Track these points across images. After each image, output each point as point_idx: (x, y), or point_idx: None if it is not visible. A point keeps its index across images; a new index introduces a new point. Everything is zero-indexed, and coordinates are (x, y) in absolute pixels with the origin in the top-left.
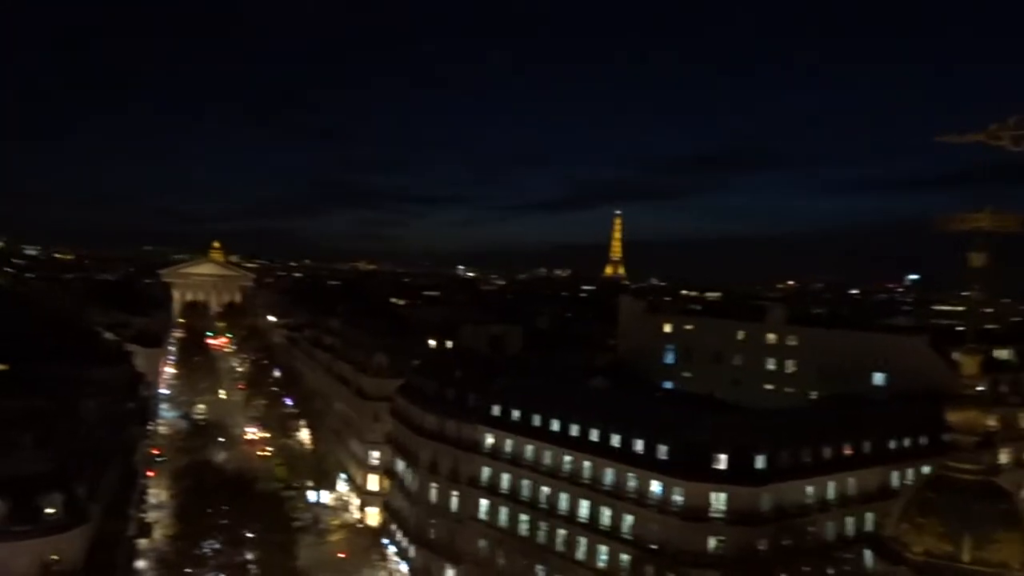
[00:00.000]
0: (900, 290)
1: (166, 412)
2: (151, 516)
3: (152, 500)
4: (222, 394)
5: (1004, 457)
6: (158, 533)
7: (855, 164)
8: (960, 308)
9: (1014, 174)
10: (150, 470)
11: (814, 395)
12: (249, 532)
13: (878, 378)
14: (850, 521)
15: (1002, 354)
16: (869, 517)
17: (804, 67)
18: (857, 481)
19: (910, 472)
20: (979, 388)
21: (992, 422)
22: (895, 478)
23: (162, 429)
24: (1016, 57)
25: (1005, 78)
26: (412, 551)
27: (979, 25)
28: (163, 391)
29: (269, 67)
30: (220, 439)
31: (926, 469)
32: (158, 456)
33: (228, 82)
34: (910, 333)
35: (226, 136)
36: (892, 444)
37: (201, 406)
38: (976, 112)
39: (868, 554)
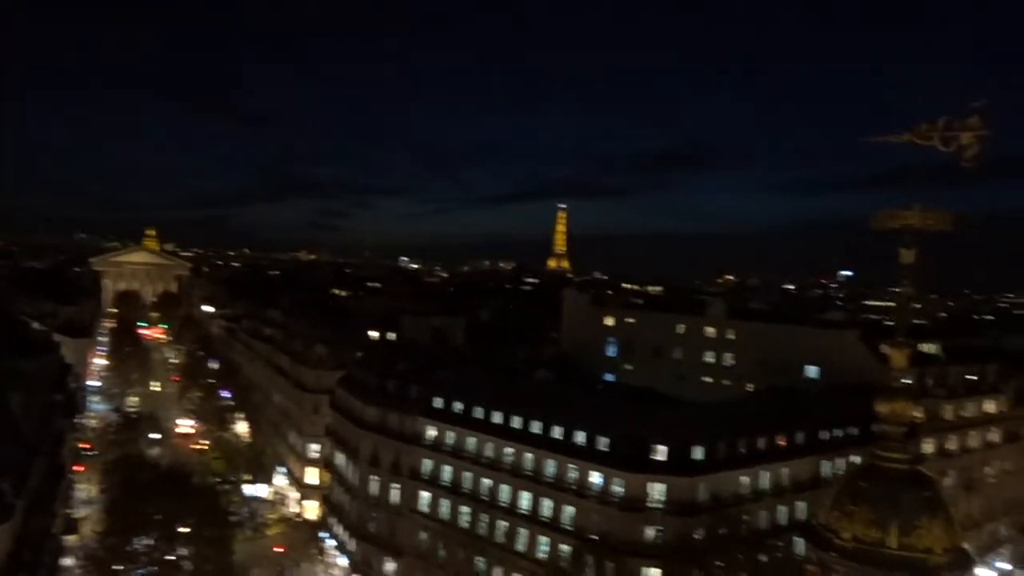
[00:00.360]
0: (834, 286)
1: (96, 405)
2: (79, 512)
3: (81, 496)
4: (155, 386)
5: (928, 447)
6: (87, 530)
7: (793, 164)
8: (890, 304)
9: (944, 174)
10: (78, 465)
11: (751, 387)
12: (183, 527)
13: (812, 371)
14: (783, 510)
15: (929, 348)
16: (801, 506)
17: (746, 69)
18: (790, 471)
19: (841, 462)
20: (906, 381)
21: (918, 413)
22: (827, 468)
23: (92, 422)
24: (949, 57)
25: (941, 79)
26: (352, 545)
27: (915, 27)
28: (93, 383)
29: (207, 54)
30: (153, 433)
31: (856, 459)
32: (87, 450)
33: (164, 69)
34: (842, 327)
35: (161, 124)
36: (824, 435)
37: (133, 398)
38: (910, 113)
39: (799, 541)
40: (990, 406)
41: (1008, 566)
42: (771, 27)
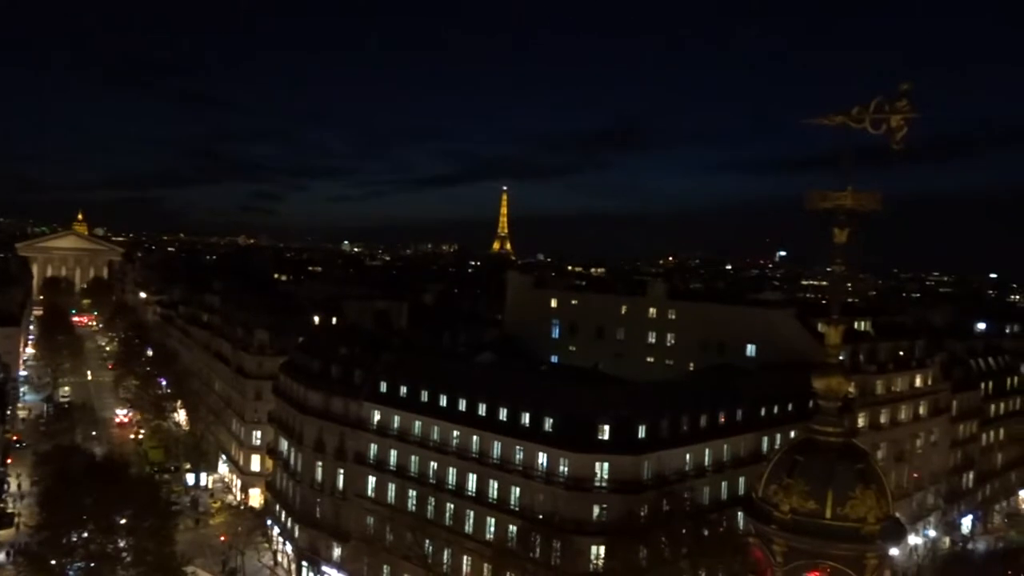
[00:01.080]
0: (770, 266)
1: (27, 395)
2: (11, 506)
3: (12, 489)
4: (89, 375)
5: (861, 420)
6: (20, 523)
7: (727, 145)
8: (824, 283)
9: (874, 155)
10: (9, 457)
11: (693, 366)
12: (121, 518)
13: (750, 349)
14: (725, 485)
15: (861, 325)
16: (742, 481)
17: (686, 47)
18: (731, 447)
19: (779, 437)
20: (840, 357)
21: (851, 388)
22: (765, 443)
23: (22, 413)
24: (891, 43)
25: (878, 61)
26: (297, 531)
27: (848, 10)
28: (23, 373)
29: (136, 28)
30: (87, 423)
31: (793, 434)
32: (17, 442)
33: (88, 42)
34: (779, 307)
35: (87, 100)
36: (763, 411)
37: (66, 388)
38: (853, 95)
39: (740, 516)
40: (918, 380)
41: (934, 533)
42: (705, 6)
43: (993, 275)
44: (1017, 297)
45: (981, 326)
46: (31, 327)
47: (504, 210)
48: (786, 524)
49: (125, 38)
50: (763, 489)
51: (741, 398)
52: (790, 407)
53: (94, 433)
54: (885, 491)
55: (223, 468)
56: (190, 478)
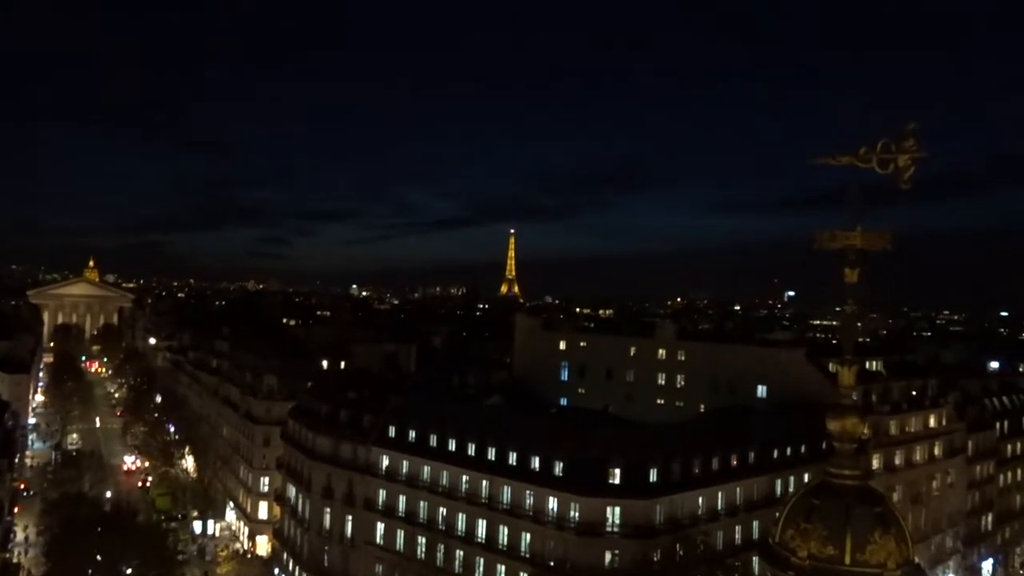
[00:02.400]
0: (779, 306)
1: (36, 443)
2: (16, 557)
3: (19, 538)
4: (98, 422)
5: (875, 462)
6: (26, 573)
7: (738, 184)
8: (833, 322)
9: (882, 195)
10: (16, 506)
11: (703, 407)
12: (127, 568)
13: (761, 390)
14: (738, 529)
15: (873, 365)
16: (756, 524)
17: (688, 86)
18: (744, 490)
19: (792, 479)
20: (854, 397)
21: (866, 430)
22: (779, 486)
23: (31, 461)
24: (898, 79)
25: (884, 98)
26: None
27: (846, 53)
28: (31, 420)
29: (143, 77)
30: (95, 470)
31: (806, 476)
32: (25, 491)
33: (99, 91)
34: (789, 346)
35: (97, 148)
36: (775, 453)
37: (74, 435)
38: (852, 136)
39: (755, 560)
40: (932, 420)
41: None
42: (703, 49)
43: (1004, 312)
44: None
45: (994, 364)
46: (41, 374)
47: (512, 252)
48: (804, 570)
49: (129, 84)
50: (780, 534)
51: (753, 440)
52: (803, 448)
53: (102, 479)
54: (905, 535)
55: (230, 515)
56: (197, 526)
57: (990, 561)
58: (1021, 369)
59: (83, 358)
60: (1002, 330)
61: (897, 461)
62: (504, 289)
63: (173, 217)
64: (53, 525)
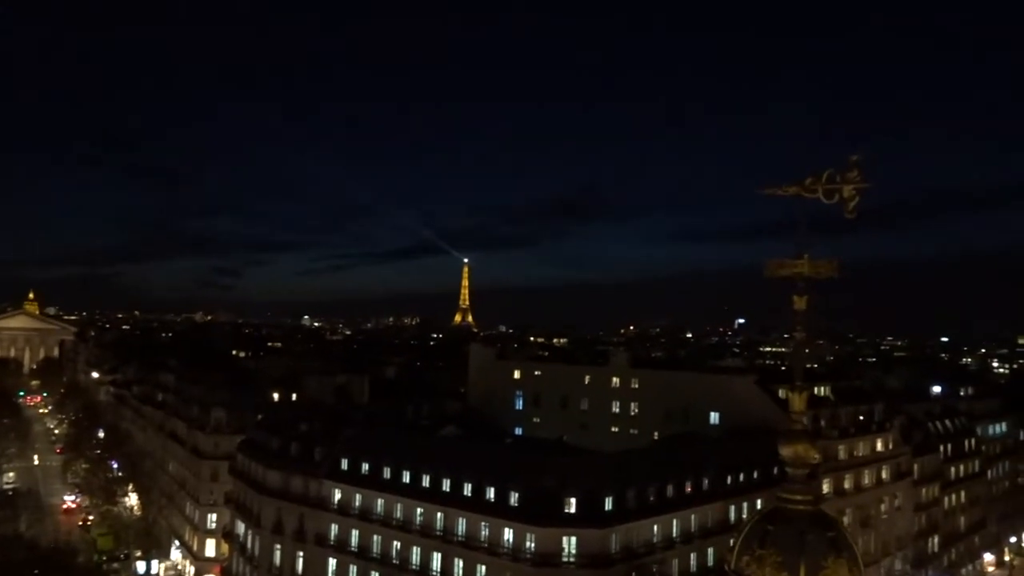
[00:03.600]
0: (730, 333)
1: None
2: None
3: None
4: (36, 459)
5: (825, 486)
6: None
7: (691, 214)
8: (782, 349)
9: (827, 224)
10: None
11: (657, 435)
12: None
13: (714, 417)
14: (693, 556)
15: (821, 391)
16: (711, 551)
17: (640, 117)
18: (698, 517)
19: (746, 506)
20: (805, 423)
21: (817, 455)
22: (732, 512)
23: None
24: (841, 112)
25: (830, 129)
26: None
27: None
28: None
29: (90, 102)
30: (33, 509)
31: (759, 502)
32: None
33: (35, 116)
34: (740, 373)
35: (39, 176)
36: (729, 480)
37: (10, 474)
38: (802, 163)
39: None
40: (879, 444)
41: None
42: (657, 80)
43: (945, 339)
44: (969, 360)
45: (936, 389)
46: None
47: (465, 282)
48: None
49: (72, 112)
50: (735, 561)
51: (707, 466)
52: (755, 474)
53: (39, 519)
54: (856, 559)
55: (176, 554)
56: (140, 566)
57: None
58: (962, 393)
59: (21, 393)
60: (943, 355)
61: (846, 485)
62: (458, 319)
63: (120, 248)
64: None
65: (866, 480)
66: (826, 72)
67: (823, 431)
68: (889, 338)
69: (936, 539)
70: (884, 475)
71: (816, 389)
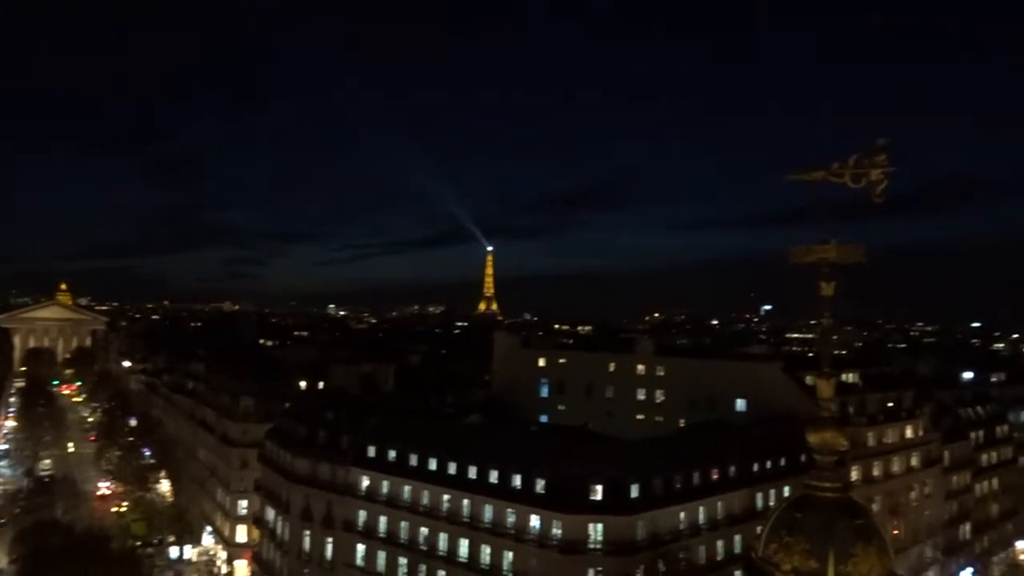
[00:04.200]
0: (756, 320)
1: (6, 469)
2: None
3: None
4: (71, 447)
5: (854, 474)
6: None
7: (714, 201)
8: (809, 335)
9: (855, 209)
10: None
11: (683, 422)
12: None
13: (740, 404)
14: (720, 544)
15: (849, 377)
16: (737, 539)
17: (662, 104)
18: (725, 504)
19: (772, 493)
20: (833, 410)
21: (845, 441)
22: (760, 499)
23: (1, 488)
24: (871, 99)
25: (858, 116)
26: None
27: (825, 70)
28: (2, 447)
29: (114, 99)
30: (68, 496)
31: (787, 489)
32: None
33: (61, 111)
34: (766, 360)
35: (64, 169)
36: (755, 467)
37: (46, 461)
38: (828, 150)
39: (737, 575)
40: (908, 431)
41: None
42: (674, 67)
43: (976, 324)
44: (1001, 345)
45: (967, 375)
46: (12, 399)
47: (489, 271)
48: None
49: (97, 106)
50: (763, 548)
51: (733, 454)
52: (783, 462)
53: (74, 505)
54: (886, 547)
55: (208, 540)
56: (173, 551)
57: (969, 571)
58: (993, 379)
59: (55, 382)
60: (974, 341)
61: (875, 472)
62: (482, 307)
63: (147, 240)
64: (25, 553)
65: (895, 467)
66: (848, 58)
67: (851, 418)
68: (919, 324)
69: (967, 527)
70: (914, 462)
71: (844, 376)
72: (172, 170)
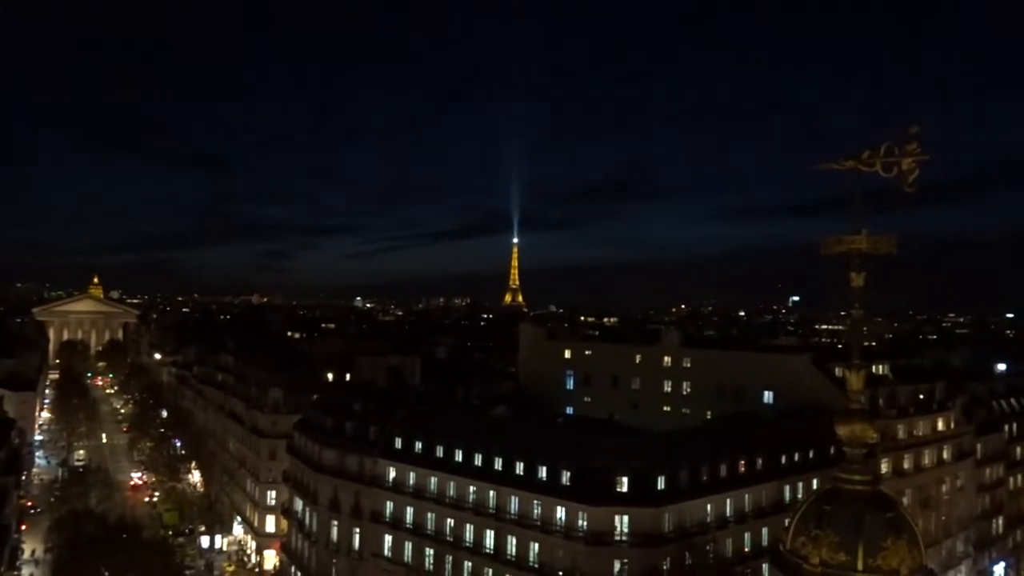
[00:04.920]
0: (784, 312)
1: (42, 460)
2: (24, 573)
3: (26, 556)
4: (104, 438)
5: (884, 466)
6: None
7: (740, 192)
8: (839, 327)
9: (886, 199)
10: (23, 523)
11: (709, 414)
12: None
13: (767, 396)
14: (747, 536)
15: (879, 369)
16: (765, 531)
17: (687, 95)
18: (752, 497)
19: (801, 485)
20: (862, 402)
21: (875, 434)
22: (787, 492)
23: (37, 478)
24: (897, 89)
25: (883, 106)
26: None
27: (851, 61)
28: (38, 437)
29: (141, 94)
30: (102, 486)
31: (815, 482)
32: (32, 508)
33: (94, 108)
34: (795, 352)
35: (94, 165)
36: (783, 459)
37: (81, 452)
38: (851, 141)
39: (765, 567)
40: (940, 424)
41: None
42: (702, 58)
43: (1010, 315)
44: None
45: (1001, 367)
46: (47, 391)
47: (515, 262)
48: None
49: (125, 101)
50: (791, 541)
51: (761, 446)
52: (811, 454)
53: (108, 495)
54: (917, 540)
55: (238, 529)
56: (204, 541)
57: (1002, 565)
58: None
59: (89, 374)
60: (1008, 332)
61: (906, 465)
62: (508, 299)
63: (176, 234)
64: (60, 542)
65: (926, 460)
66: (874, 48)
67: (881, 410)
68: (951, 315)
69: (1000, 521)
70: (945, 455)
71: (874, 367)
72: (205, 165)
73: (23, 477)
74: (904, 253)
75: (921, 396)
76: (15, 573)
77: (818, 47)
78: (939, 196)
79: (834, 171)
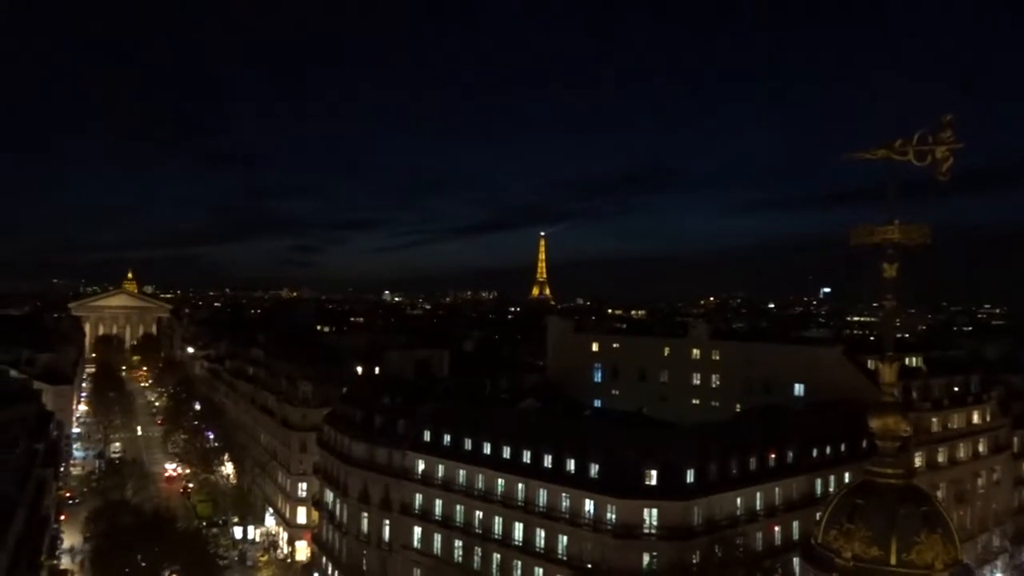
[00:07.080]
0: (814, 303)
1: (79, 452)
2: (64, 563)
3: (65, 546)
4: (139, 430)
5: (917, 460)
6: None
7: (769, 183)
8: (871, 319)
9: (919, 188)
10: (62, 514)
11: (739, 407)
12: (170, 573)
13: (798, 388)
14: (777, 530)
15: (912, 361)
16: (795, 525)
17: (712, 86)
18: (782, 490)
19: (832, 479)
20: (895, 394)
21: (908, 427)
22: (818, 485)
23: (75, 470)
24: (926, 77)
25: (914, 95)
26: None
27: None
28: (75, 430)
29: (170, 91)
30: (138, 477)
31: (847, 475)
32: (70, 499)
33: (127, 106)
34: (826, 344)
35: (126, 162)
36: (814, 452)
37: (117, 444)
38: (880, 129)
39: (795, 561)
40: (975, 416)
41: None
42: (731, 48)
43: None
44: None
45: None
46: (84, 385)
47: (542, 256)
48: (848, 572)
49: (155, 99)
50: (822, 535)
51: (791, 439)
52: (842, 447)
53: (143, 486)
54: (952, 535)
55: (270, 521)
56: (237, 531)
57: None
58: None
59: (124, 368)
60: None
61: (940, 459)
62: (535, 292)
63: (207, 229)
64: (98, 532)
65: (961, 453)
66: (900, 42)
67: (914, 403)
68: (987, 306)
69: None
70: (981, 448)
71: (907, 360)
72: (236, 161)
73: (61, 469)
74: (937, 243)
75: (955, 388)
76: (55, 562)
77: (850, 38)
78: (977, 186)
79: (866, 161)
